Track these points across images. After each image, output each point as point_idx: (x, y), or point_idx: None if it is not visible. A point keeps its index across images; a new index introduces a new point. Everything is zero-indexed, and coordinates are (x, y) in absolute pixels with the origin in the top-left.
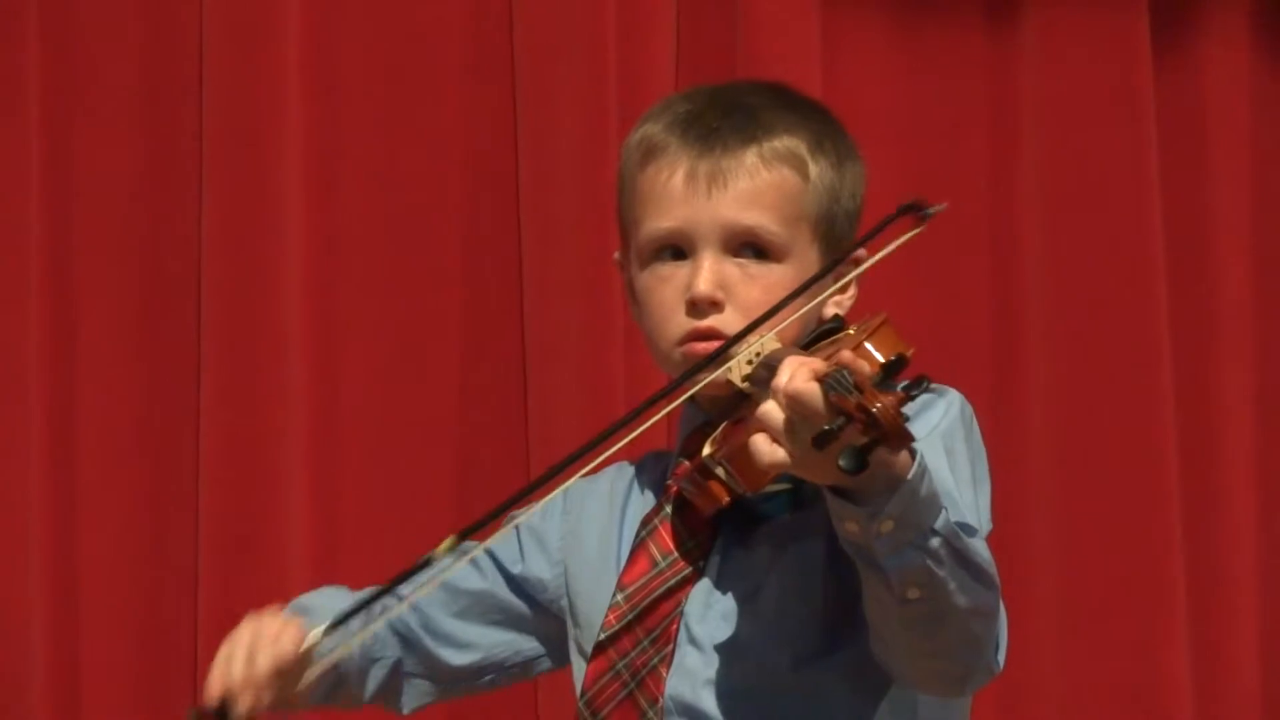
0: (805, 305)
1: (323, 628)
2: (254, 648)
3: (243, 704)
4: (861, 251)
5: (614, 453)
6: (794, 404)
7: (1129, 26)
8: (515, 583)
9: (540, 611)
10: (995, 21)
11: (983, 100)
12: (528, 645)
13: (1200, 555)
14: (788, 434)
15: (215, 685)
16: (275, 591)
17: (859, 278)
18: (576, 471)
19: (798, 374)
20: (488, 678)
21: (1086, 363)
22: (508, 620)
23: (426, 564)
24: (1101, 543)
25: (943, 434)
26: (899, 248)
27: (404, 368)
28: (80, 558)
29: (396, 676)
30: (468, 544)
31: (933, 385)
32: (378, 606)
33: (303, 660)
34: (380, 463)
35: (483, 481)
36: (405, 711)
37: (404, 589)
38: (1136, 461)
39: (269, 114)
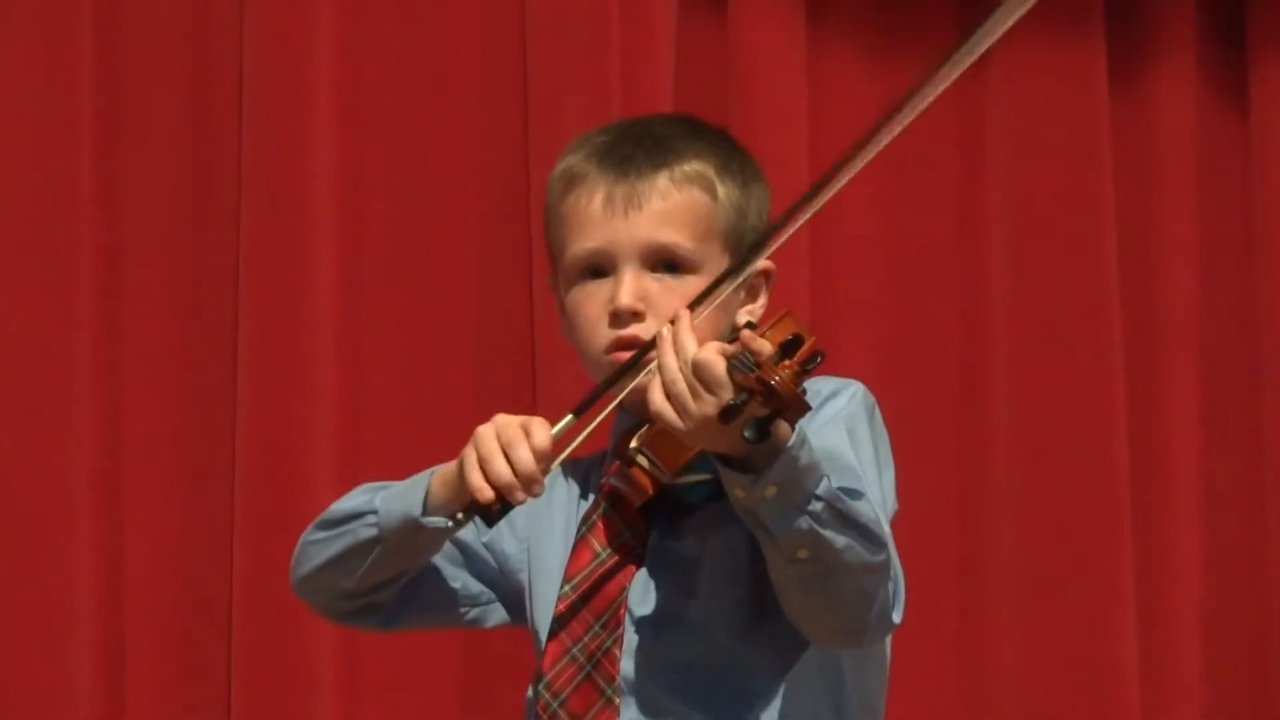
0: (717, 312)
1: (568, 417)
2: (509, 442)
3: (519, 494)
4: (768, 263)
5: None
6: (698, 371)
7: (1087, 61)
8: (488, 547)
9: (505, 578)
10: None
11: (952, 129)
12: (477, 588)
13: (1148, 550)
14: (693, 402)
15: (482, 485)
16: None
17: (769, 287)
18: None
19: (707, 346)
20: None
21: (1047, 376)
22: (476, 571)
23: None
24: (1057, 538)
25: (845, 417)
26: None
27: (424, 371)
28: (125, 552)
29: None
30: None
31: (835, 376)
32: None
33: (553, 448)
34: (401, 462)
35: None
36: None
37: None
38: (1091, 466)
39: (302, 137)
